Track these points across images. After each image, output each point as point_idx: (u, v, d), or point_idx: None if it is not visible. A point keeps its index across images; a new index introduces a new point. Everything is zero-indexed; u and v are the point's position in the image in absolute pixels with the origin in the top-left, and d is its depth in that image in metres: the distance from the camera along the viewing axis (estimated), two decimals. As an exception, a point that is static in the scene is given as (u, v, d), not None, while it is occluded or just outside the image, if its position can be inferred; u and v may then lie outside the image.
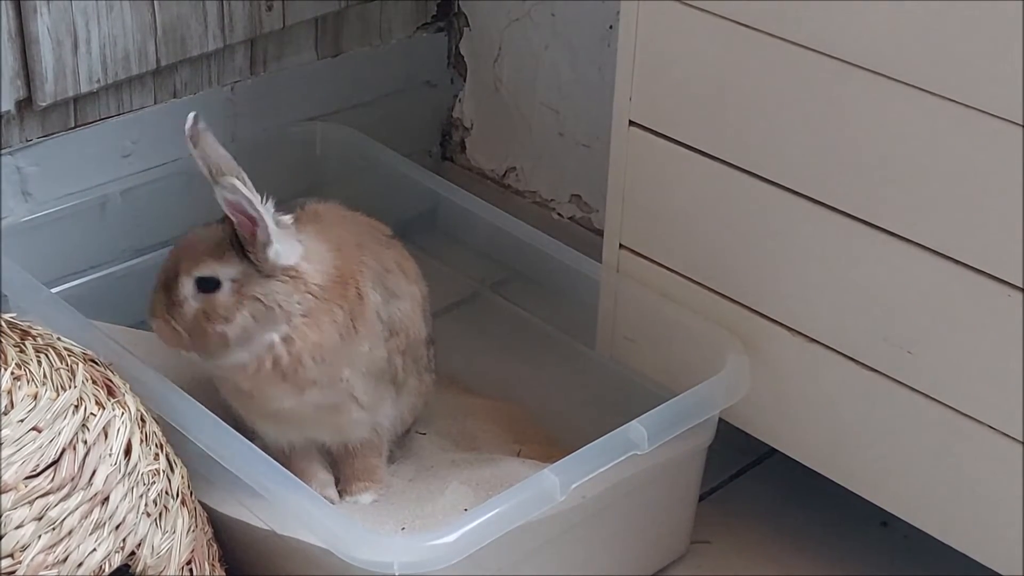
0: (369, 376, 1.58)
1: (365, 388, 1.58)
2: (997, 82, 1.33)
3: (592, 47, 2.03)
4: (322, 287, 1.54)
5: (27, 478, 1.24)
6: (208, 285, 1.52)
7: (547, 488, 1.46)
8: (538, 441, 1.77)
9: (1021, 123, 1.33)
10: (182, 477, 1.43)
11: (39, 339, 1.40)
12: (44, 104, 1.80)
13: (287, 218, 1.56)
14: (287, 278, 1.52)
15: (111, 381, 1.39)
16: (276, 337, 1.52)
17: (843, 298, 1.53)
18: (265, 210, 1.50)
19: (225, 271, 1.52)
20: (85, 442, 1.29)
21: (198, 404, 1.54)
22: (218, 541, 1.51)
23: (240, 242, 1.52)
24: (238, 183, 1.48)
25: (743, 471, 1.86)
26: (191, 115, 1.54)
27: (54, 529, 1.24)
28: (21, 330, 1.41)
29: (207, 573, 1.42)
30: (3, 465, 1.23)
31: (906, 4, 1.37)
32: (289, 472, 1.48)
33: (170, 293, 1.53)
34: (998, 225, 1.38)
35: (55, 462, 1.26)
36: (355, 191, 2.01)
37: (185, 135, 1.53)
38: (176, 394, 1.55)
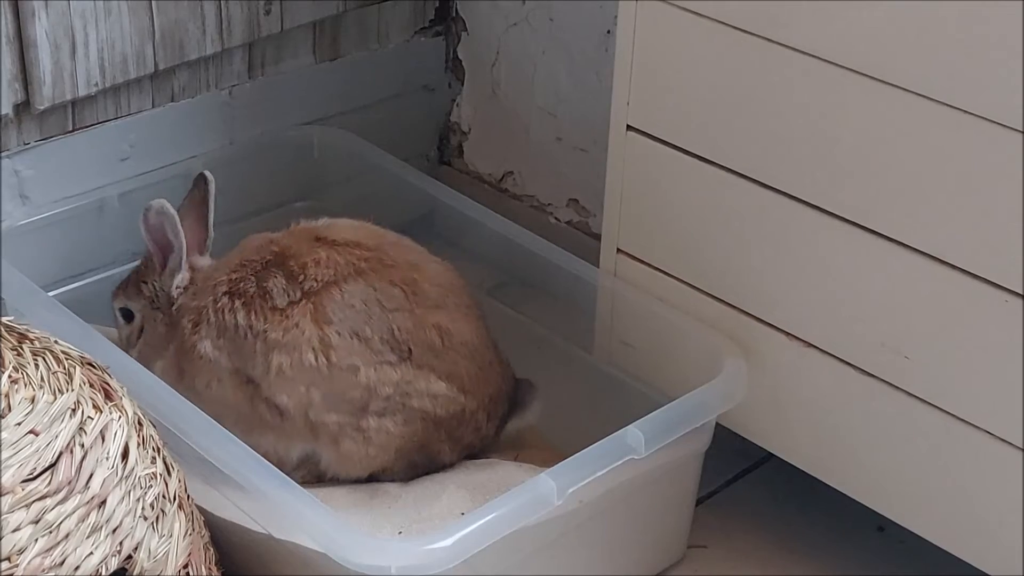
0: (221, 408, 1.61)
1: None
2: (995, 87, 1.33)
3: (590, 52, 2.03)
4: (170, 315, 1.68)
5: (24, 481, 1.24)
6: (127, 316, 1.74)
7: (544, 492, 1.46)
8: (535, 445, 1.77)
9: (1018, 128, 1.33)
10: (179, 481, 1.42)
11: (36, 342, 1.40)
12: (42, 107, 1.80)
13: (201, 259, 1.71)
14: (167, 313, 1.69)
15: (108, 384, 1.39)
16: (158, 365, 1.68)
17: (840, 303, 1.53)
18: (182, 237, 1.65)
19: (133, 304, 1.72)
20: (82, 445, 1.29)
21: (195, 407, 1.54)
22: (215, 545, 1.51)
23: (142, 278, 1.71)
24: (166, 204, 1.64)
25: (740, 476, 1.86)
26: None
27: (51, 532, 1.24)
28: (18, 333, 1.41)
29: (204, 577, 1.42)
30: (0, 468, 1.23)
31: (904, 9, 1.37)
32: (286, 476, 1.48)
33: (114, 319, 1.76)
34: (995, 230, 1.38)
35: (52, 465, 1.26)
36: (353, 195, 2.01)
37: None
38: (173, 397, 1.55)
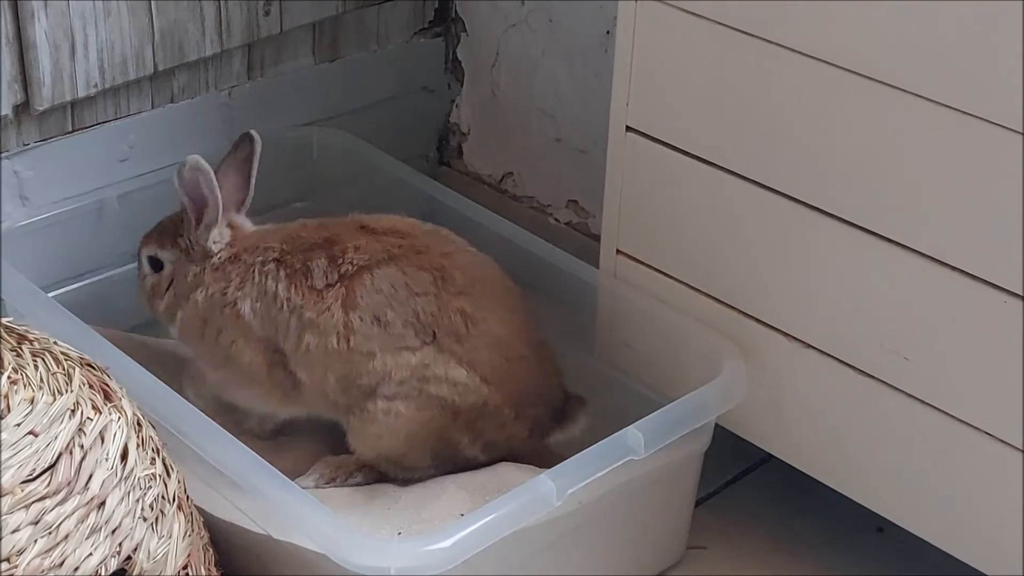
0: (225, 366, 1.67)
1: (216, 374, 1.69)
2: (994, 89, 1.33)
3: (589, 53, 2.03)
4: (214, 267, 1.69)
5: (23, 482, 1.24)
6: (156, 265, 1.73)
7: (544, 493, 1.46)
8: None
9: (1017, 129, 1.33)
10: (178, 481, 1.42)
11: (36, 343, 1.40)
12: (41, 108, 1.80)
13: (241, 219, 1.72)
14: (202, 264, 1.69)
15: (108, 385, 1.39)
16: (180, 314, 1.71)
17: (840, 304, 1.53)
18: (217, 192, 1.65)
19: (165, 254, 1.72)
20: (82, 446, 1.29)
21: (194, 408, 1.54)
22: (214, 545, 1.51)
23: (180, 231, 1.70)
24: (201, 161, 1.62)
25: (739, 477, 1.86)
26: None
27: (50, 533, 1.24)
28: (18, 334, 1.41)
29: (203, 578, 1.42)
30: (0, 469, 1.23)
31: (904, 10, 1.38)
32: (286, 477, 1.48)
33: (139, 266, 1.76)
34: (995, 231, 1.38)
35: (52, 466, 1.26)
36: (352, 196, 2.01)
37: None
38: (172, 398, 1.55)
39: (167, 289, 1.72)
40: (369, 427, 1.61)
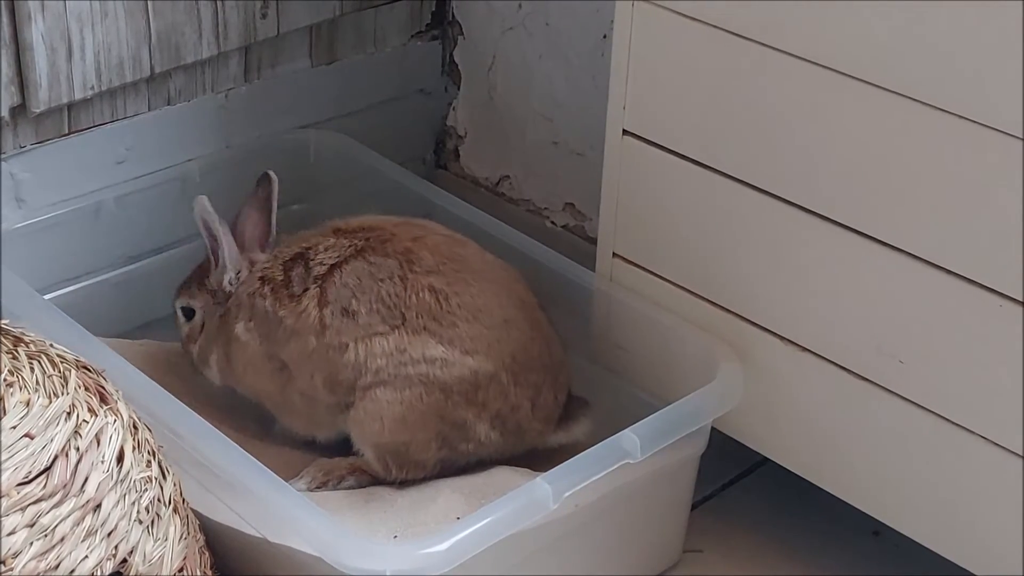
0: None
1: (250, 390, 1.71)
2: (990, 93, 1.34)
3: (586, 56, 2.03)
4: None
5: (19, 485, 1.23)
6: (188, 314, 1.76)
7: (540, 496, 1.46)
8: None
9: (1013, 133, 1.33)
10: (174, 484, 1.42)
11: (32, 345, 1.40)
12: (38, 110, 1.80)
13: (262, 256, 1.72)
14: (224, 306, 1.71)
15: (103, 388, 1.39)
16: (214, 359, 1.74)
17: (835, 307, 1.54)
18: (226, 234, 1.68)
19: (195, 302, 1.74)
20: (77, 449, 1.29)
21: (190, 411, 1.54)
22: (210, 548, 1.51)
23: (204, 276, 1.73)
24: (205, 201, 1.66)
25: (735, 480, 1.86)
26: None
27: (46, 536, 1.24)
28: (14, 336, 1.41)
29: (199, 580, 1.42)
30: (-5, 472, 1.23)
31: (900, 13, 1.38)
32: (282, 480, 1.48)
33: (175, 319, 1.78)
34: (990, 235, 1.38)
35: (47, 469, 1.26)
36: (349, 198, 2.01)
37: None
38: (168, 401, 1.55)
39: (200, 334, 1.74)
40: (363, 424, 1.61)
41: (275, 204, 1.72)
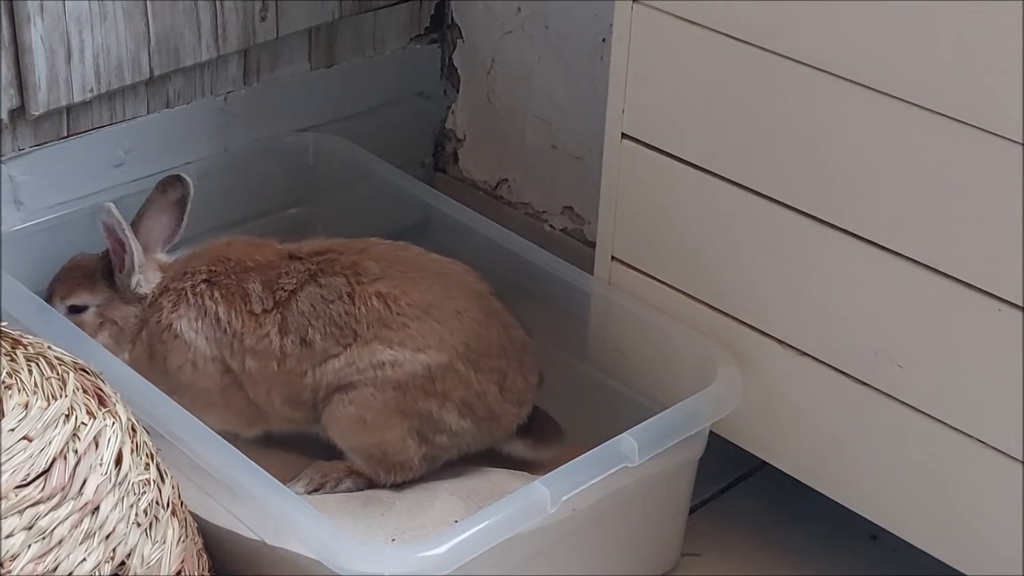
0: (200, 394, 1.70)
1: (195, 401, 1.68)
2: (990, 98, 1.34)
3: (585, 60, 2.03)
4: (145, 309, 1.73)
5: (17, 487, 1.23)
6: (77, 309, 1.74)
7: (538, 500, 1.46)
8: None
9: (1012, 138, 1.33)
10: (172, 487, 1.42)
11: (30, 348, 1.40)
12: (37, 113, 1.80)
13: (165, 256, 1.76)
14: (140, 305, 1.72)
15: (102, 390, 1.39)
16: (126, 356, 1.72)
17: (834, 311, 1.54)
18: (133, 240, 1.69)
19: (91, 298, 1.73)
20: (76, 451, 1.29)
21: (188, 414, 1.54)
22: (208, 551, 1.51)
23: (110, 272, 1.72)
24: (112, 208, 1.67)
25: (733, 484, 1.86)
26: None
27: (44, 538, 1.24)
28: (12, 339, 1.41)
29: (197, 583, 1.42)
30: (-7, 474, 1.23)
31: (899, 18, 1.38)
32: (280, 483, 1.48)
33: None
34: (989, 239, 1.38)
35: (45, 471, 1.26)
36: (347, 201, 2.01)
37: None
38: (166, 403, 1.55)
39: (97, 329, 1.73)
40: (331, 431, 1.67)
41: (188, 208, 1.76)
